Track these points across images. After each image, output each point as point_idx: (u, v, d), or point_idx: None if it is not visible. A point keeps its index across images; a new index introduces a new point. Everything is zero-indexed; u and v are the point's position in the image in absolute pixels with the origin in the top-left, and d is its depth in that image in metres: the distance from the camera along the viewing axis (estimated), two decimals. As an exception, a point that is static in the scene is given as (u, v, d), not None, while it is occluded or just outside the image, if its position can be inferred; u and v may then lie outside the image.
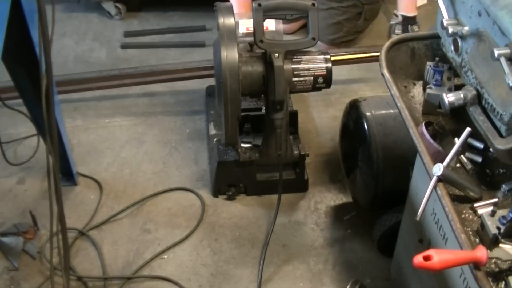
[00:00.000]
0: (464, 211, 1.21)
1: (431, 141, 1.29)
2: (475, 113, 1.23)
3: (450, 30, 1.28)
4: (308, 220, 2.10)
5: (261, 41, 1.81)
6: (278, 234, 2.04)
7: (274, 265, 1.95)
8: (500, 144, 1.13)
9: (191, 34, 3.04)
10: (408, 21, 2.32)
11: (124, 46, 2.95)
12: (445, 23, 1.30)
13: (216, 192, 2.17)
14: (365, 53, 2.57)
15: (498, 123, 1.17)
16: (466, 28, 1.26)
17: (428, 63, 1.46)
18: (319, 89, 1.94)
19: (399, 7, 2.32)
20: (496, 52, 1.07)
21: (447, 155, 1.19)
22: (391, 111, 1.83)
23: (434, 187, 1.17)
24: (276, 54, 1.79)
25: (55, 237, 1.66)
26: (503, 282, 1.07)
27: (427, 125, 1.34)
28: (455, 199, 1.22)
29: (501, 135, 1.16)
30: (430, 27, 1.70)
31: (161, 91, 2.65)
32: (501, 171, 1.29)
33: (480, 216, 1.17)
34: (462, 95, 1.25)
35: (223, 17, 1.77)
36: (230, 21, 1.77)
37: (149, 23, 3.13)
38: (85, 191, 2.20)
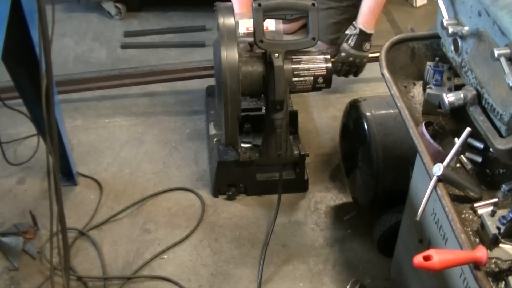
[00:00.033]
0: (464, 211, 1.21)
1: (431, 141, 1.29)
2: (475, 113, 1.23)
3: (450, 30, 1.28)
4: (308, 220, 2.10)
5: (261, 41, 1.81)
6: (278, 234, 2.04)
7: (274, 265, 1.95)
8: (500, 144, 1.13)
9: (191, 34, 3.04)
10: (364, 36, 2.28)
11: (124, 46, 2.95)
12: (445, 23, 1.30)
13: (216, 192, 2.17)
14: (365, 53, 2.56)
15: (498, 123, 1.17)
16: (466, 28, 1.26)
17: (428, 63, 1.46)
18: (319, 89, 1.94)
19: (358, 19, 2.27)
20: (496, 52, 1.07)
21: (447, 155, 1.19)
22: (391, 111, 1.83)
23: (434, 187, 1.17)
24: (276, 54, 1.79)
25: (55, 237, 1.66)
26: (503, 282, 1.07)
27: (427, 125, 1.34)
28: (455, 199, 1.22)
29: (501, 135, 1.16)
30: (430, 27, 1.70)
31: (161, 91, 2.65)
32: (501, 171, 1.29)
33: (480, 216, 1.17)
34: (462, 95, 1.25)
35: (223, 17, 1.78)
36: (230, 21, 1.77)
37: (149, 23, 3.13)
38: (85, 191, 2.20)
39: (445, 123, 1.38)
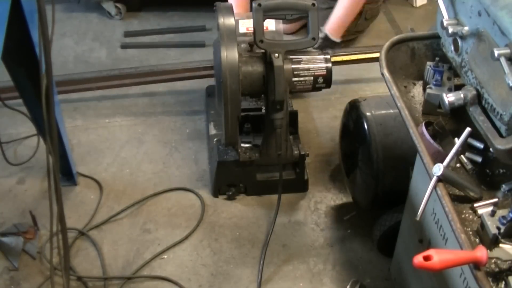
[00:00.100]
0: (464, 211, 1.21)
1: (431, 141, 1.29)
2: (475, 113, 1.23)
3: (450, 30, 1.28)
4: (308, 220, 2.10)
5: (261, 41, 1.81)
6: (278, 234, 2.04)
7: (274, 265, 1.95)
8: (500, 144, 1.13)
9: (191, 34, 3.04)
10: (327, 42, 2.26)
11: (124, 46, 2.95)
12: (445, 23, 1.30)
13: (216, 192, 2.17)
14: (365, 53, 2.57)
15: (498, 123, 1.17)
16: (466, 28, 1.26)
17: (428, 63, 1.46)
18: (319, 89, 1.94)
19: (326, 24, 2.26)
20: (496, 52, 1.07)
21: (447, 155, 1.19)
22: (391, 111, 1.83)
23: (434, 187, 1.17)
24: (276, 54, 1.79)
25: (55, 237, 1.66)
26: (503, 282, 1.07)
27: (427, 125, 1.34)
28: (455, 199, 1.22)
29: (501, 135, 1.16)
30: (430, 27, 1.70)
31: (161, 91, 2.65)
32: (501, 171, 1.29)
33: (480, 216, 1.17)
34: (462, 95, 1.25)
35: (223, 17, 1.78)
36: (230, 21, 1.77)
37: (149, 23, 3.13)
38: (85, 191, 2.20)
39: (445, 123, 1.38)
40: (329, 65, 1.90)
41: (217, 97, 1.91)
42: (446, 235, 1.28)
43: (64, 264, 1.64)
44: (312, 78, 1.89)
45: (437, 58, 1.43)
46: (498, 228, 1.10)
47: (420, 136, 1.27)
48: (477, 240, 1.15)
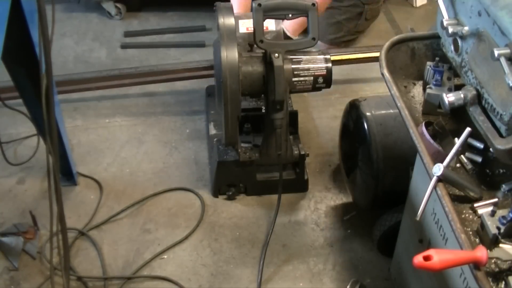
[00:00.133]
0: (464, 211, 1.21)
1: (431, 141, 1.29)
2: (475, 113, 1.23)
3: (450, 30, 1.28)
4: (308, 220, 2.10)
5: (261, 41, 1.81)
6: (278, 234, 2.04)
7: (274, 265, 1.95)
8: (500, 144, 1.13)
9: (191, 34, 3.04)
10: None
11: (124, 46, 2.95)
12: (445, 23, 1.30)
13: (216, 192, 2.17)
14: (365, 53, 2.57)
15: (498, 123, 1.17)
16: (466, 28, 1.26)
17: (428, 63, 1.46)
18: (319, 89, 1.94)
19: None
20: (496, 52, 1.07)
21: (447, 155, 1.19)
22: (391, 111, 1.83)
23: (434, 187, 1.17)
24: (276, 54, 1.79)
25: (55, 237, 1.66)
26: (503, 282, 1.07)
27: (427, 125, 1.34)
28: (455, 199, 1.22)
29: (501, 135, 1.16)
30: (430, 27, 1.70)
31: (161, 91, 2.65)
32: (501, 171, 1.29)
33: (480, 216, 1.17)
34: (462, 95, 1.25)
35: (223, 17, 1.78)
36: (230, 21, 1.77)
37: (149, 23, 3.13)
38: (85, 191, 2.20)
39: (445, 123, 1.38)
40: (329, 65, 1.90)
41: (217, 97, 1.91)
42: (446, 235, 1.28)
43: (64, 264, 1.65)
44: (312, 78, 1.89)
45: (437, 58, 1.43)
46: (498, 228, 1.10)
47: (420, 136, 1.27)
48: (477, 240, 1.15)
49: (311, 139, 2.43)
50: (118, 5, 3.11)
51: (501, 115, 1.14)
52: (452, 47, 1.35)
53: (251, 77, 1.84)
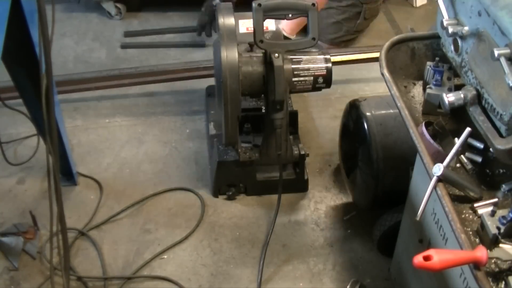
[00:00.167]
0: (464, 211, 1.21)
1: (431, 141, 1.29)
2: (475, 113, 1.23)
3: (450, 30, 1.28)
4: (308, 220, 2.10)
5: (261, 41, 1.81)
6: (278, 234, 2.04)
7: (274, 265, 1.95)
8: (500, 144, 1.13)
9: (191, 34, 3.04)
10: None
11: (124, 46, 2.95)
12: (445, 23, 1.30)
13: (216, 192, 2.17)
14: (365, 53, 2.57)
15: (498, 123, 1.17)
16: (466, 28, 1.26)
17: (428, 63, 1.46)
18: (319, 89, 1.94)
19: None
20: (496, 52, 1.07)
21: (447, 155, 1.19)
22: (391, 111, 1.83)
23: (434, 187, 1.17)
24: (276, 54, 1.79)
25: (55, 237, 1.66)
26: (503, 282, 1.07)
27: (427, 125, 1.34)
28: (455, 199, 1.22)
29: (501, 135, 1.16)
30: (430, 27, 1.70)
31: (161, 91, 2.65)
32: (501, 171, 1.29)
33: (480, 216, 1.17)
34: (462, 95, 1.25)
35: (223, 17, 1.77)
36: (230, 21, 1.77)
37: (149, 23, 3.13)
38: (85, 191, 2.20)
39: (445, 123, 1.38)
40: (329, 65, 1.90)
41: (217, 97, 1.91)
42: (446, 235, 1.28)
43: (64, 264, 1.65)
44: (312, 78, 1.89)
45: (437, 58, 1.43)
46: (498, 228, 1.10)
47: (420, 136, 1.27)
48: (477, 240, 1.15)
49: (311, 139, 2.43)
50: (118, 5, 3.11)
51: (501, 115, 1.14)
52: (452, 47, 1.35)
53: (251, 77, 1.84)
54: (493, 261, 1.11)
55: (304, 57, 1.88)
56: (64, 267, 1.65)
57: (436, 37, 1.49)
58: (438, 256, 1.02)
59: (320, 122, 2.52)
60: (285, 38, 2.36)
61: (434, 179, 1.17)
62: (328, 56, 1.91)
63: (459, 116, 1.37)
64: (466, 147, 1.33)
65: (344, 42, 2.85)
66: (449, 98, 1.26)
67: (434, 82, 1.39)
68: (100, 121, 2.50)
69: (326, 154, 2.36)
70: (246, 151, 2.07)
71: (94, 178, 2.23)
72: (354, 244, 2.02)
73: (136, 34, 3.04)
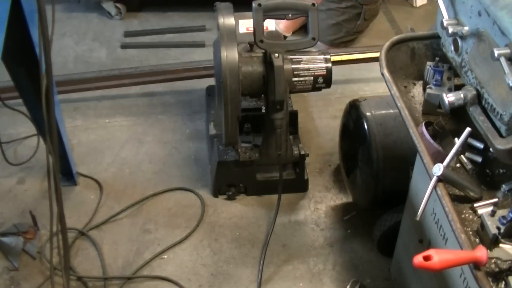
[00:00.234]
0: (464, 211, 1.21)
1: (431, 141, 1.29)
2: (475, 113, 1.23)
3: (450, 30, 1.28)
4: (308, 220, 2.10)
5: (261, 41, 1.81)
6: (278, 234, 2.04)
7: (274, 265, 1.95)
8: (500, 144, 1.13)
9: (191, 34, 3.04)
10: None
11: (124, 46, 2.95)
12: (445, 23, 1.30)
13: (216, 192, 2.17)
14: (365, 53, 2.57)
15: (498, 123, 1.17)
16: (466, 28, 1.26)
17: (428, 63, 1.46)
18: (319, 89, 1.94)
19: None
20: (496, 52, 1.07)
21: (447, 155, 1.19)
22: (391, 111, 1.83)
23: (434, 187, 1.17)
24: (276, 54, 1.79)
25: (55, 237, 1.66)
26: (503, 282, 1.07)
27: (427, 125, 1.34)
28: (455, 199, 1.22)
29: (501, 135, 1.16)
30: (430, 27, 1.70)
31: (161, 91, 2.65)
32: (501, 171, 1.29)
33: (480, 216, 1.17)
34: (462, 95, 1.25)
35: (223, 17, 1.78)
36: (230, 21, 1.77)
37: (149, 23, 3.13)
38: (85, 191, 2.20)
39: (445, 123, 1.38)
40: (329, 65, 1.90)
41: (217, 97, 1.91)
42: (446, 235, 1.28)
43: (64, 264, 1.64)
44: (312, 78, 1.89)
45: (437, 58, 1.43)
46: (498, 228, 1.10)
47: (420, 136, 1.27)
48: (477, 240, 1.15)
49: (311, 139, 2.43)
50: (118, 5, 3.11)
51: (501, 115, 1.14)
52: (452, 47, 1.35)
53: (251, 77, 1.84)
54: (493, 261, 1.11)
55: (304, 57, 1.89)
56: (64, 267, 1.64)
57: (436, 37, 1.49)
58: (438, 256, 1.02)
59: (320, 122, 2.52)
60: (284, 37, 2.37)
61: (434, 179, 1.17)
62: (328, 56, 1.91)
63: (459, 116, 1.37)
64: (466, 147, 1.33)
65: (344, 43, 2.85)
66: (449, 98, 1.26)
67: (434, 82, 1.39)
68: (100, 121, 2.50)
69: (326, 154, 2.36)
70: (246, 151, 2.07)
71: (94, 178, 2.23)
72: (354, 244, 2.02)
73: (136, 34, 3.04)
